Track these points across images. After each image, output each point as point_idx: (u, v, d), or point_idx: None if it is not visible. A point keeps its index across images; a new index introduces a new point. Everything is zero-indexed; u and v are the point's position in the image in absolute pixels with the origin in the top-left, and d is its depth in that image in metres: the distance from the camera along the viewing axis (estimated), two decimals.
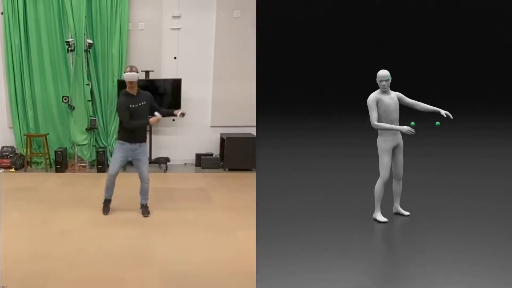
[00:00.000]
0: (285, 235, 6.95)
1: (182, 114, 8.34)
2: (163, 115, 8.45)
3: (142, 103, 8.20)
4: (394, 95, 7.26)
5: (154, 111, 8.41)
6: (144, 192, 8.50)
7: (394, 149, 7.35)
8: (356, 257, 6.30)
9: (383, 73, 7.14)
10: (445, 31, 16.71)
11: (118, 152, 8.30)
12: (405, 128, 7.05)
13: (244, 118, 12.55)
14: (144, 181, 8.42)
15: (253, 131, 12.39)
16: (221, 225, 8.05)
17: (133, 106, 8.11)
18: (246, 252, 6.91)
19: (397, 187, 7.50)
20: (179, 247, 7.12)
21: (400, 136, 7.33)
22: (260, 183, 8.96)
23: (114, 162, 8.33)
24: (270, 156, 10.60)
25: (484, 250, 6.46)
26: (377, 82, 7.17)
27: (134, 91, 8.18)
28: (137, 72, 8.12)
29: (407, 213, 7.58)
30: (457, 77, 16.27)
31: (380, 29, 16.74)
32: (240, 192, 10.02)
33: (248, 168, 11.87)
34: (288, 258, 6.29)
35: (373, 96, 7.13)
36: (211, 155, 12.51)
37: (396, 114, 7.21)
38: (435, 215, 7.57)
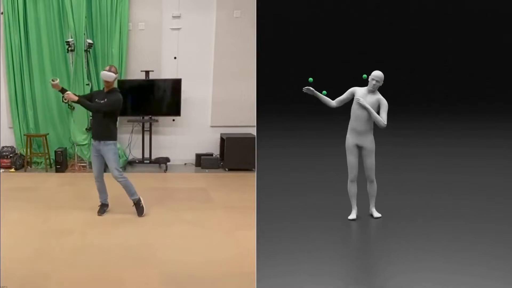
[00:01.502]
0: (285, 235, 6.94)
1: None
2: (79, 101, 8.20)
3: (103, 101, 8.16)
4: (376, 98, 7.18)
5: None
6: (126, 190, 8.35)
7: (361, 151, 7.30)
8: (356, 257, 6.30)
9: (377, 73, 7.14)
10: (445, 31, 16.72)
11: (91, 151, 8.41)
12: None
13: (244, 118, 12.55)
14: (117, 180, 8.28)
15: (253, 131, 12.38)
16: (221, 225, 8.05)
17: (97, 100, 8.18)
18: (246, 252, 6.91)
19: (369, 189, 7.44)
20: (179, 247, 7.11)
21: (367, 139, 7.23)
22: (260, 183, 8.96)
23: (92, 164, 8.39)
24: (270, 156, 10.60)
25: (484, 250, 6.46)
26: (369, 79, 7.16)
27: (106, 89, 8.22)
28: (115, 72, 8.13)
29: (378, 215, 7.48)
30: (457, 77, 16.27)
31: (380, 29, 16.75)
32: (240, 192, 10.01)
33: (248, 168, 11.87)
34: (288, 258, 6.29)
35: (352, 88, 7.26)
36: (211, 155, 12.51)
37: (363, 113, 7.14)
38: (435, 215, 7.57)
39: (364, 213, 7.64)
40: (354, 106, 7.22)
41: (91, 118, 11.67)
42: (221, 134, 12.54)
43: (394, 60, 16.31)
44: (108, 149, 8.22)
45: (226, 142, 11.98)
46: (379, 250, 6.52)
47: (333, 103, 7.35)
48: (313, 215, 7.60)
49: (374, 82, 7.14)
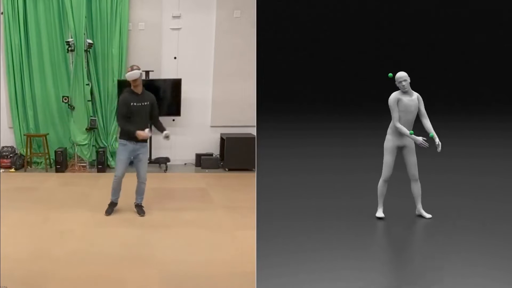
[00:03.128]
0: (285, 235, 6.94)
1: (167, 137, 8.31)
2: (158, 128, 8.45)
3: (145, 103, 8.16)
4: (416, 96, 7.25)
5: (152, 116, 8.37)
6: (140, 192, 8.47)
7: (403, 150, 7.33)
8: (356, 257, 6.30)
9: (402, 74, 7.16)
10: (446, 31, 16.72)
11: (122, 154, 8.20)
12: (419, 139, 7.07)
13: (244, 118, 12.55)
14: (141, 181, 8.39)
15: (253, 131, 12.39)
16: (221, 225, 8.05)
17: (134, 104, 8.08)
18: (246, 252, 6.91)
19: (414, 188, 7.43)
20: (179, 247, 7.12)
21: (408, 138, 7.30)
22: (260, 183, 8.96)
23: (120, 164, 8.23)
24: (270, 156, 10.60)
25: (484, 250, 6.46)
26: (397, 83, 7.16)
27: (138, 89, 8.13)
28: (139, 69, 8.08)
29: (429, 215, 7.50)
30: (457, 77, 16.28)
31: (380, 29, 16.75)
32: (240, 192, 10.02)
33: (248, 168, 11.87)
34: (288, 258, 6.29)
35: (393, 97, 7.16)
36: (211, 155, 12.51)
37: (413, 116, 7.22)
38: (434, 215, 7.57)
39: (364, 213, 7.64)
40: (402, 112, 7.17)
41: (91, 117, 11.71)
42: (221, 134, 12.54)
43: (394, 60, 16.31)
44: (145, 150, 8.35)
45: (226, 142, 11.98)
46: (379, 249, 6.52)
47: (399, 123, 7.26)
48: (313, 215, 7.60)
49: (404, 83, 7.14)
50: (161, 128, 8.42)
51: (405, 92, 7.19)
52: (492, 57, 16.48)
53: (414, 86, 15.87)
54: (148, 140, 12.17)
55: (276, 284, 5.68)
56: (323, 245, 6.64)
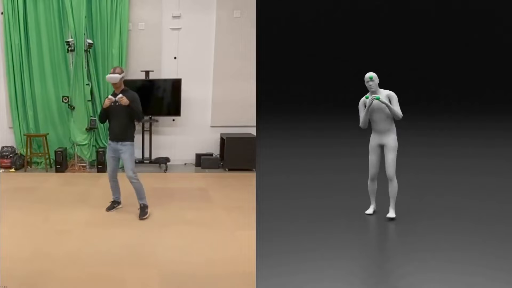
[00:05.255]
0: (285, 235, 6.95)
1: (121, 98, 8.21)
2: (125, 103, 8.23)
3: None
4: (385, 95, 7.26)
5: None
6: (136, 192, 8.43)
7: (383, 149, 7.44)
8: (356, 257, 6.30)
9: (368, 75, 7.27)
10: (446, 31, 16.72)
11: (107, 152, 8.52)
12: (369, 101, 7.21)
13: (244, 118, 12.55)
14: (130, 181, 8.38)
15: (253, 131, 12.39)
16: (221, 225, 8.05)
17: (112, 104, 8.26)
18: (246, 252, 6.91)
19: (390, 188, 7.43)
20: (179, 247, 7.12)
21: (387, 136, 7.34)
22: (260, 183, 8.96)
23: (107, 162, 8.56)
24: (270, 156, 10.60)
25: (483, 250, 6.46)
26: (365, 84, 7.30)
27: (117, 91, 8.36)
28: (120, 73, 8.22)
29: (391, 216, 7.42)
30: (457, 77, 16.28)
31: (380, 29, 16.75)
32: (240, 192, 10.02)
33: (248, 168, 11.87)
34: (288, 258, 6.29)
35: (361, 100, 7.41)
36: (211, 155, 12.51)
37: (380, 114, 7.25)
38: (434, 215, 7.57)
39: (363, 213, 7.64)
40: (371, 111, 7.33)
41: (91, 117, 11.72)
42: (221, 134, 12.55)
43: (394, 60, 16.32)
44: (126, 149, 8.36)
45: (226, 142, 11.98)
46: (378, 249, 6.52)
47: (363, 126, 7.40)
48: (313, 215, 7.60)
49: (369, 84, 7.25)
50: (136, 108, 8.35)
51: (373, 92, 7.32)
52: (492, 57, 16.49)
53: (414, 86, 15.89)
54: (148, 140, 12.22)
55: (276, 284, 5.68)
56: (323, 244, 6.64)
